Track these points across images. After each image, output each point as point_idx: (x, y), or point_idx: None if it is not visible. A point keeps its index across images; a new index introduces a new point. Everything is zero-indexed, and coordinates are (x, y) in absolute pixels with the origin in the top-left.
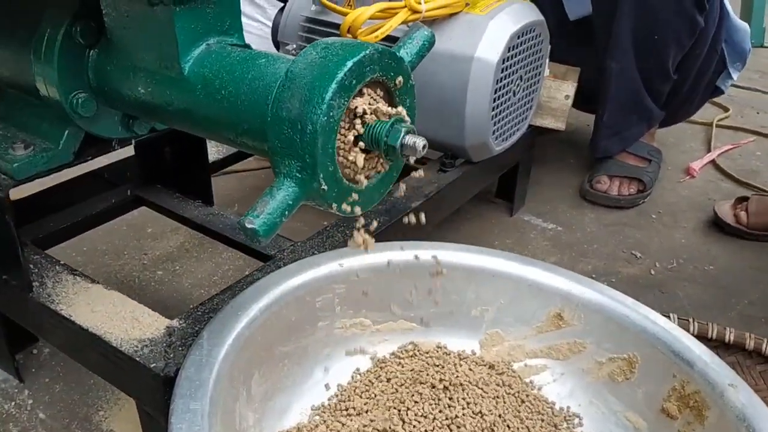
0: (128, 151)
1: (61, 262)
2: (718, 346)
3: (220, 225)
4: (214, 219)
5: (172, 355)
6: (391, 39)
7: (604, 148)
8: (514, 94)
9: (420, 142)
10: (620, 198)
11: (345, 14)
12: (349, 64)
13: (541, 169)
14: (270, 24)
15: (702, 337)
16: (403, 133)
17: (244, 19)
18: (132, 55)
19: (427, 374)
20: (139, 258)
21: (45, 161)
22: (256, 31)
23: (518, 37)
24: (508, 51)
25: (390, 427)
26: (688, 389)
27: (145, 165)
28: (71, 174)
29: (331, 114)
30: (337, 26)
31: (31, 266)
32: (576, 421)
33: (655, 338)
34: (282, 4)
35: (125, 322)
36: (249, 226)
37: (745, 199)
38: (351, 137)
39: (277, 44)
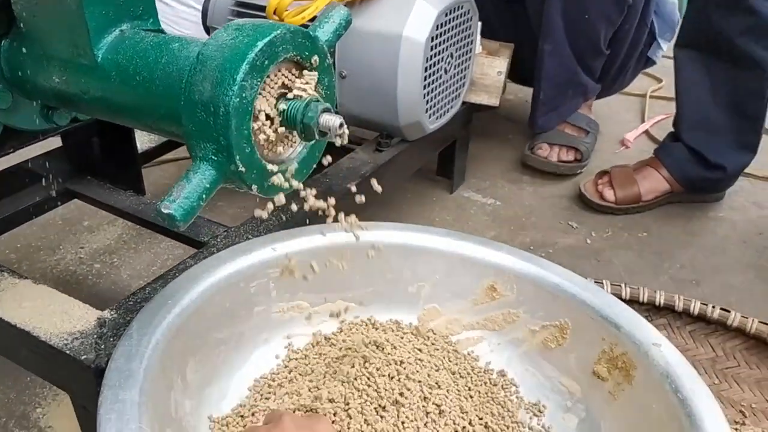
0: (55, 143)
1: None
2: (649, 309)
3: (152, 214)
4: (146, 208)
5: (103, 347)
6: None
7: (542, 123)
8: (446, 72)
9: (336, 120)
10: (560, 164)
11: None
12: (260, 44)
13: (480, 146)
14: None
15: (634, 301)
16: (318, 112)
17: (176, 5)
18: (44, 44)
19: (365, 349)
20: (76, 252)
21: None
22: (190, 17)
23: (446, 15)
24: (437, 29)
25: (335, 397)
26: (616, 351)
27: (73, 156)
28: None
29: (244, 95)
30: (265, 9)
31: None
32: (513, 389)
33: (584, 304)
34: None
35: (54, 316)
36: (165, 211)
37: (606, 172)
38: (266, 117)
39: (208, 29)
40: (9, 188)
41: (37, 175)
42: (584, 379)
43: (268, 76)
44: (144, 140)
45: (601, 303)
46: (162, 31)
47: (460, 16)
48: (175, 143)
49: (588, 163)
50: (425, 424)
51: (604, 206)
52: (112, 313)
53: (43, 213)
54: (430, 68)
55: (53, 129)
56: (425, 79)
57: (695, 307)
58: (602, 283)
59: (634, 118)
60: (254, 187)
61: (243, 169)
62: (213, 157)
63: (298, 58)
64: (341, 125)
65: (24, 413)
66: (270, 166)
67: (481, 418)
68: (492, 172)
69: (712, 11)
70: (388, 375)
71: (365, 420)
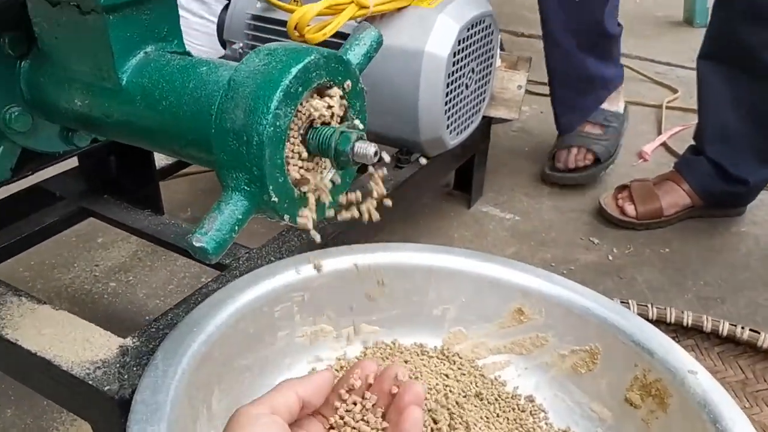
0: (72, 162)
1: (4, 283)
2: (676, 329)
3: (172, 235)
4: (165, 228)
5: (126, 377)
6: (339, 36)
7: (565, 124)
8: (467, 87)
9: (371, 149)
10: (577, 176)
11: (291, 11)
12: (294, 70)
13: (496, 159)
14: (215, 20)
15: (661, 322)
16: (353, 140)
17: (188, 16)
18: (66, 66)
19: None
20: (91, 270)
21: None
22: (202, 28)
23: (468, 30)
24: (459, 44)
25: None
26: (649, 378)
27: (90, 175)
28: (11, 189)
29: (278, 124)
30: (284, 24)
31: None
32: (542, 415)
33: (616, 328)
34: (226, 2)
35: (76, 344)
36: (197, 244)
37: (626, 187)
38: (301, 146)
39: (224, 43)
40: (25, 209)
41: (53, 195)
42: (616, 406)
43: (300, 103)
44: (161, 156)
45: (633, 327)
46: (187, 53)
47: (482, 31)
48: None
49: (610, 163)
50: None
51: (626, 221)
52: (134, 340)
53: (58, 232)
54: (452, 84)
55: (73, 151)
56: (447, 95)
57: (724, 328)
58: (628, 303)
59: (650, 130)
60: (287, 216)
61: (276, 200)
62: (245, 187)
63: (331, 83)
64: (376, 153)
65: None
66: (302, 194)
67: None
68: (510, 186)
69: (737, 24)
70: None
71: None
